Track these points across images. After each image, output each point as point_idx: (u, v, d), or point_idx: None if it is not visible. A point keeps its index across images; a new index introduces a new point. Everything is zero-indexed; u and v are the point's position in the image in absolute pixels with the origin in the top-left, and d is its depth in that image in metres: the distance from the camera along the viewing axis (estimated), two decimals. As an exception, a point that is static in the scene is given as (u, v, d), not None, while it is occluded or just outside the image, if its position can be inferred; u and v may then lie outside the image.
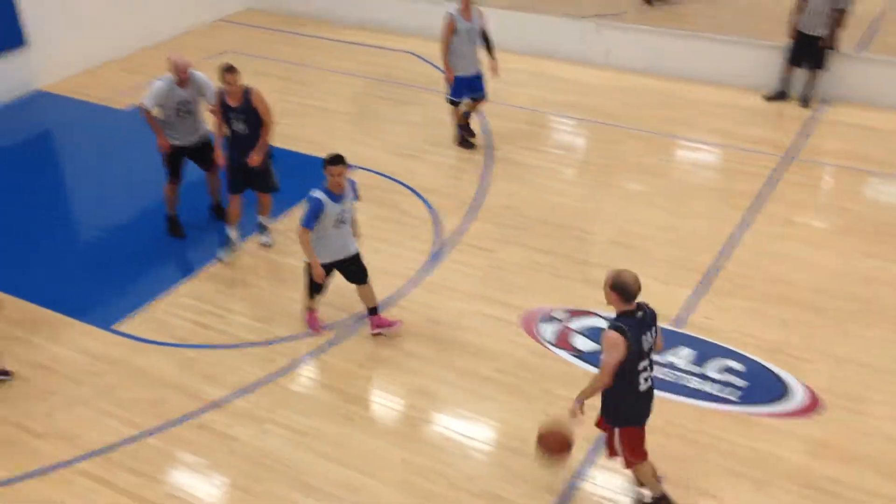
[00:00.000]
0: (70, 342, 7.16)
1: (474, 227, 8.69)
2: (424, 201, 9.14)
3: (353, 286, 7.10)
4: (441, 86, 11.55)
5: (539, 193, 9.27)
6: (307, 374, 6.89)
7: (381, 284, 7.79)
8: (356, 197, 6.90)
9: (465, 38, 9.43)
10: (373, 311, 7.18)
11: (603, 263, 7.97)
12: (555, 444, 5.38)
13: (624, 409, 5.21)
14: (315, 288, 7.04)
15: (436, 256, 8.25)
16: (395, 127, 10.66)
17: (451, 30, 9.41)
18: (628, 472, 5.58)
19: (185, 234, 8.58)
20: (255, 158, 7.80)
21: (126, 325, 7.36)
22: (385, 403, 6.65)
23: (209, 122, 8.22)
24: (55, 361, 6.95)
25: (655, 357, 5.81)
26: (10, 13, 11.15)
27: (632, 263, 7.93)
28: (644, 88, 11.67)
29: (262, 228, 8.43)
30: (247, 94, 7.66)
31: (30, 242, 8.52)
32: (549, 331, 7.23)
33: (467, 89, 9.78)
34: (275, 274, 8.03)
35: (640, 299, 5.00)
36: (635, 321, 4.94)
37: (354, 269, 7.00)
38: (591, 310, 7.38)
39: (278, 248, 8.35)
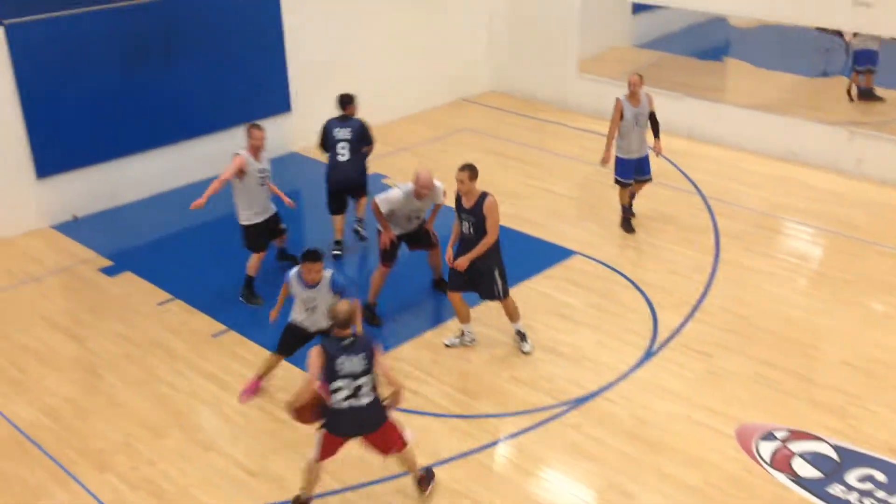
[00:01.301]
0: (293, 388, 7.57)
1: (694, 328, 8.39)
2: (644, 295, 8.96)
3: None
4: (673, 180, 11.40)
5: (768, 301, 8.82)
6: (505, 453, 6.87)
7: (590, 374, 7.70)
8: (337, 293, 6.95)
9: (631, 123, 9.74)
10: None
11: (833, 385, 7.43)
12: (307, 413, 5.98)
13: (326, 415, 5.85)
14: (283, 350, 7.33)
15: (650, 353, 8.03)
16: (620, 217, 10.58)
17: (620, 114, 9.72)
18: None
19: (381, 324, 8.43)
20: (460, 262, 7.68)
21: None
22: (580, 496, 6.47)
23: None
24: (275, 405, 7.38)
25: None
26: (283, 82, 12.30)
27: (868, 389, 7.36)
28: (897, 203, 10.91)
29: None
30: (482, 198, 7.55)
31: (271, 290, 9.14)
32: (767, 449, 6.77)
33: (634, 171, 9.96)
34: (488, 350, 8.13)
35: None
36: (337, 345, 5.69)
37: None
38: (817, 434, 6.85)
39: (495, 325, 8.46)
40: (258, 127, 8.49)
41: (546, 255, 9.76)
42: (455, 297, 7.97)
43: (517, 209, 10.79)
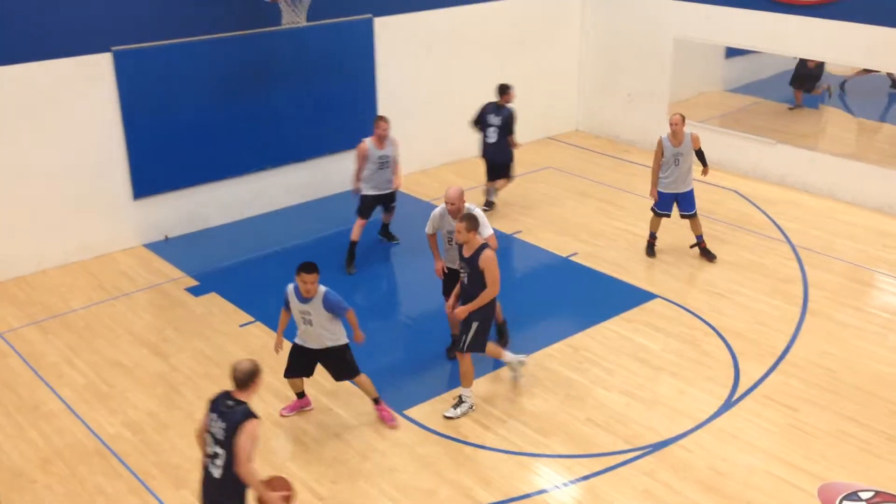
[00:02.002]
0: (365, 417, 7.63)
1: (777, 381, 8.13)
2: (726, 343, 8.75)
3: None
4: (763, 228, 11.19)
5: (857, 357, 8.50)
6: (576, 495, 6.74)
7: (667, 421, 7.54)
8: (329, 310, 7.01)
9: (671, 160, 10.09)
10: (376, 401, 7.55)
11: (925, 448, 7.09)
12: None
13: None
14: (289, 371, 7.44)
15: (731, 403, 7.81)
16: (706, 263, 10.38)
17: (661, 152, 10.10)
18: None
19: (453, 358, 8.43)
20: (459, 312, 7.48)
21: (416, 411, 7.71)
22: (654, 547, 6.31)
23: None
24: (348, 432, 7.43)
25: None
26: (372, 114, 12.40)
27: (962, 455, 7.01)
28: None
29: (514, 368, 8.16)
30: (479, 250, 7.31)
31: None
32: (850, 510, 6.50)
33: (672, 205, 10.35)
34: (564, 390, 8.03)
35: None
36: (223, 401, 5.38)
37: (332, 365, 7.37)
38: (905, 497, 6.54)
39: (572, 365, 8.37)
40: (383, 119, 10.06)
41: (626, 297, 9.64)
42: (465, 358, 7.61)
43: (598, 249, 10.70)
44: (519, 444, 7.30)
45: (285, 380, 7.59)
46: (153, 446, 7.27)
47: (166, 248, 10.86)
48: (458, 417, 7.60)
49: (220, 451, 5.32)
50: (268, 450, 7.21)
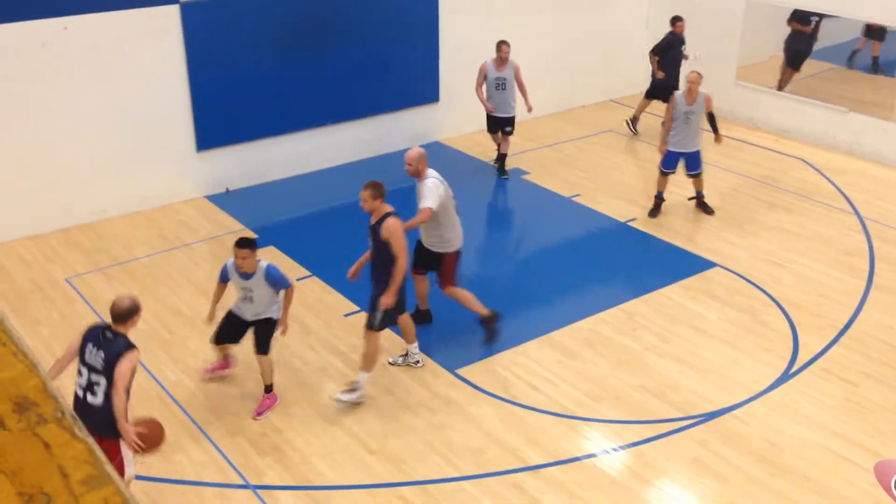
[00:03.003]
0: (416, 376, 7.70)
1: (837, 354, 7.97)
2: (785, 314, 8.58)
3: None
4: (830, 198, 10.93)
5: (922, 333, 8.28)
6: (625, 461, 6.74)
7: (721, 391, 7.45)
8: (272, 284, 6.94)
9: (682, 119, 10.02)
10: (267, 388, 7.22)
11: None
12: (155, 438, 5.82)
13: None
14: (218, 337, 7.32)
15: (788, 375, 7.68)
16: (769, 233, 10.17)
17: (672, 109, 10.09)
18: None
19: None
20: (384, 300, 7.02)
21: (468, 371, 7.75)
22: (702, 516, 6.28)
23: None
24: (400, 388, 7.51)
25: None
26: (434, 73, 12.49)
27: None
28: None
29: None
30: (382, 219, 6.94)
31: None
32: (906, 489, 6.36)
33: (678, 164, 10.25)
34: (616, 355, 7.99)
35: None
36: (99, 332, 5.64)
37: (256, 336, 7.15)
38: (965, 479, 6.37)
39: (625, 331, 8.31)
40: (505, 42, 10.94)
41: (685, 264, 9.50)
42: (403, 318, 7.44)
43: (663, 218, 10.54)
44: (569, 407, 7.30)
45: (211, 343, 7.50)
46: (211, 395, 7.45)
47: (227, 201, 11.02)
48: (347, 403, 7.16)
49: (100, 379, 5.60)
50: (320, 402, 7.33)
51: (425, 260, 7.92)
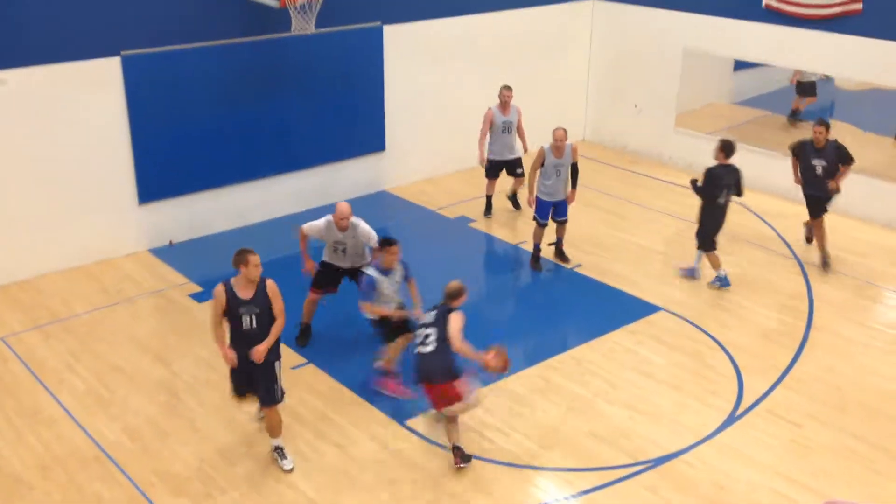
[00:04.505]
0: (365, 427, 7.59)
1: (781, 396, 8.07)
2: (730, 357, 8.69)
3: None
4: (769, 242, 11.15)
5: (864, 374, 8.43)
6: (579, 511, 6.70)
7: (670, 435, 7.49)
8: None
9: (552, 170, 10.19)
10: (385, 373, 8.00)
11: (930, 467, 7.03)
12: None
13: None
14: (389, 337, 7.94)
15: (734, 418, 7.75)
16: (711, 275, 10.32)
17: (541, 161, 10.13)
18: None
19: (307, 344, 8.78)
20: (255, 353, 6.71)
21: (417, 422, 7.67)
22: (654, 564, 6.25)
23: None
24: (350, 442, 7.40)
25: None
26: (380, 122, 12.54)
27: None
28: None
29: None
30: (261, 283, 6.80)
31: (349, 327, 9.22)
32: (853, 529, 6.43)
33: (550, 213, 10.45)
34: (567, 402, 7.98)
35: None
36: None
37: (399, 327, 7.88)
38: (909, 517, 6.47)
39: (574, 378, 8.32)
40: (508, 87, 11.36)
41: (630, 309, 9.59)
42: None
43: (602, 260, 10.66)
44: (520, 456, 7.25)
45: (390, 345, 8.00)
46: (153, 453, 7.24)
47: (171, 254, 10.85)
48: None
49: (432, 331, 6.97)
50: (267, 458, 7.17)
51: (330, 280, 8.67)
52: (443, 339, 6.87)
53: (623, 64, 14.54)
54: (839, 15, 11.79)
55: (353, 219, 8.38)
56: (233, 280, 6.79)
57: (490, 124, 11.44)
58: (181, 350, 8.75)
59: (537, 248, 10.65)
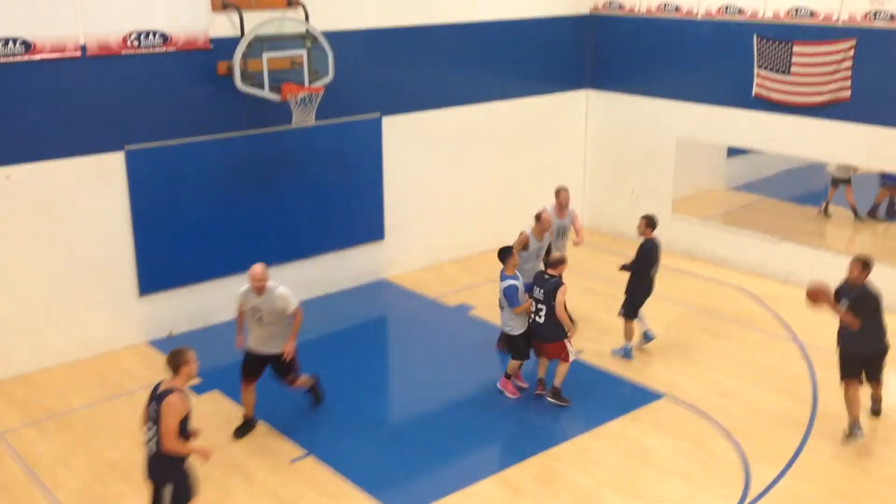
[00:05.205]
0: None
1: (790, 485, 7.93)
2: (736, 444, 8.57)
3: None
4: (770, 326, 11.09)
5: (870, 460, 8.30)
6: None
7: (677, 527, 7.32)
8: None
9: (533, 255, 10.20)
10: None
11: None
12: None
13: None
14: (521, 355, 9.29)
15: (742, 508, 7.60)
16: (713, 362, 10.28)
17: (524, 247, 10.11)
18: None
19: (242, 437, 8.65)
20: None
21: (419, 516, 7.52)
22: None
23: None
24: (349, 538, 7.23)
25: None
26: (379, 212, 12.67)
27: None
28: None
29: None
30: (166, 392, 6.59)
31: (350, 415, 9.13)
32: None
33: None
34: (568, 492, 7.83)
35: None
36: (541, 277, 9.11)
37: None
38: None
39: (577, 467, 8.18)
40: (564, 189, 10.77)
41: (633, 396, 9.51)
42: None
43: (604, 346, 10.61)
44: (524, 550, 7.08)
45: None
46: (148, 552, 7.06)
47: (170, 346, 10.76)
48: None
49: (542, 307, 8.90)
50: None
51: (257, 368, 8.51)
52: (551, 312, 8.84)
53: (619, 151, 14.78)
54: (828, 103, 12.04)
55: (271, 283, 8.23)
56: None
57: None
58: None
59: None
